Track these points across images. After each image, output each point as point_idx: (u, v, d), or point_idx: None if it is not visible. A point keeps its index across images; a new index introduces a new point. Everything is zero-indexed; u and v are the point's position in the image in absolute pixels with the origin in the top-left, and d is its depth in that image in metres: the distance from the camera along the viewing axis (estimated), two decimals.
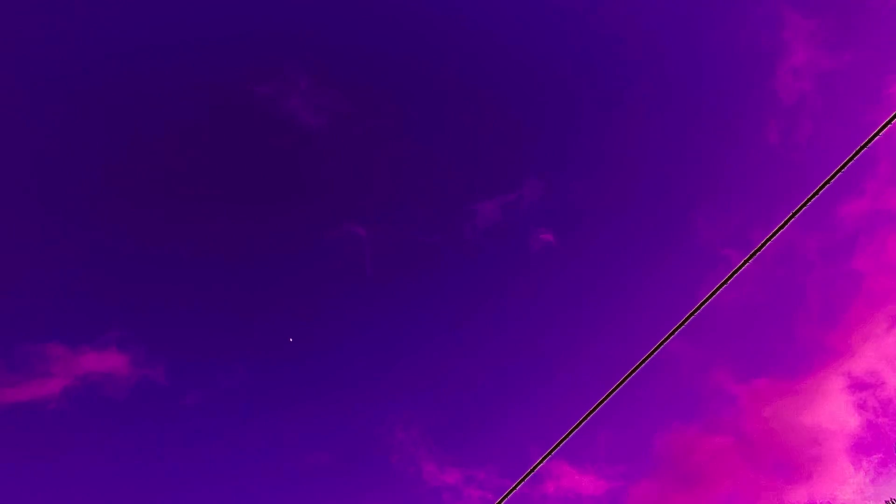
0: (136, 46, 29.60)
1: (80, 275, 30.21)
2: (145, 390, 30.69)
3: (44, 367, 29.36)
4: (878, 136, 4.60)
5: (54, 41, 28.46)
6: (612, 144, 32.48)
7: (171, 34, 29.80)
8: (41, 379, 29.34)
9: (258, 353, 32.32)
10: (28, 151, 29.04)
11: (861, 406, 30.66)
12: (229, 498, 31.24)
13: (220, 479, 31.14)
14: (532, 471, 4.92)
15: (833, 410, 30.79)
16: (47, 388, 29.57)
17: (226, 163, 31.86)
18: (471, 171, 32.70)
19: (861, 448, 30.30)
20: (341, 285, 32.89)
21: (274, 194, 32.38)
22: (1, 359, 28.80)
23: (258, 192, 32.27)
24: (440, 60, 31.89)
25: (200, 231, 31.87)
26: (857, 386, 30.83)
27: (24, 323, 29.22)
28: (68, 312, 29.93)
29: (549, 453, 4.93)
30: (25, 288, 29.38)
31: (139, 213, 31.16)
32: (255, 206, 32.24)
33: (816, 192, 4.91)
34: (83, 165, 29.99)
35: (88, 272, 30.35)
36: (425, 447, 31.77)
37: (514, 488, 4.68)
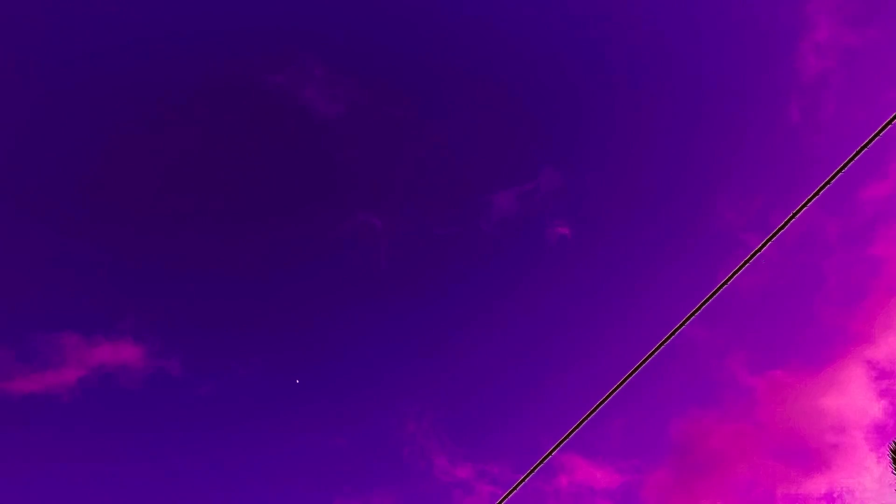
0: (151, 36, 29.75)
1: (94, 263, 30.58)
2: (160, 381, 31.06)
3: (59, 358, 29.74)
4: None
5: (68, 31, 28.66)
6: (629, 128, 32.04)
7: (185, 23, 29.89)
8: (56, 369, 29.74)
9: (273, 344, 32.55)
10: (42, 138, 29.39)
11: (882, 394, 30.16)
12: (241, 490, 31.61)
13: (230, 474, 31.49)
14: (544, 460, 4.85)
15: (853, 398, 30.33)
16: (62, 378, 29.98)
17: (240, 153, 31.99)
18: (487, 160, 32.49)
19: (882, 436, 29.83)
20: (356, 276, 32.97)
21: (288, 185, 32.47)
22: (15, 348, 29.21)
23: (273, 182, 32.38)
24: (456, 49, 31.64)
25: (215, 221, 32.09)
26: (879, 373, 30.32)
27: (39, 312, 29.63)
28: (83, 301, 30.29)
29: (562, 441, 4.85)
30: (39, 276, 29.79)
31: (154, 204, 31.43)
32: (271, 196, 32.37)
33: (835, 175, 4.73)
34: (97, 153, 30.29)
35: (103, 261, 30.71)
36: (437, 440, 31.86)
37: (525, 478, 4.61)
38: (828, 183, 4.67)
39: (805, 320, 31.98)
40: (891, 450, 13.51)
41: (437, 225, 32.61)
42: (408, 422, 32.23)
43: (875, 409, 30.13)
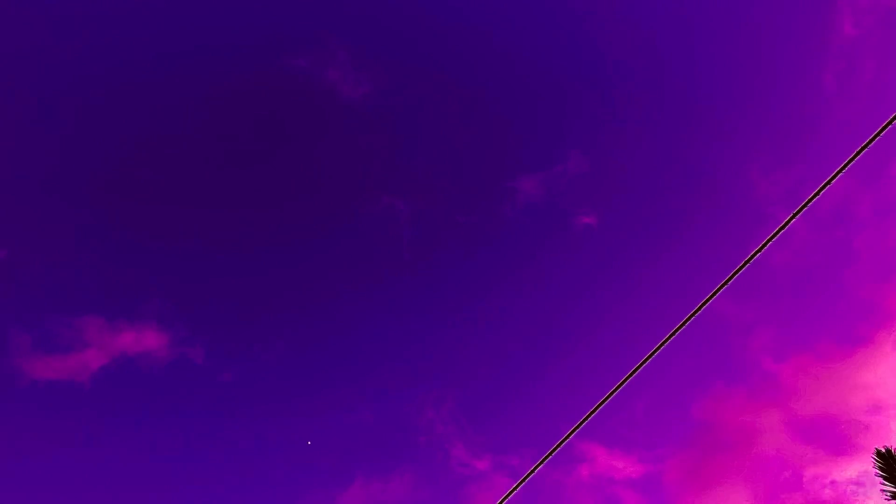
0: (170, 18, 29.93)
1: (118, 246, 30.99)
2: (183, 367, 31.49)
3: (81, 343, 29.99)
4: None
5: (88, 19, 29.00)
6: (656, 103, 31.37)
7: (209, 6, 29.99)
8: (78, 354, 29.98)
9: (295, 329, 32.91)
10: (63, 120, 29.87)
11: None
12: (254, 481, 32.10)
13: (246, 461, 31.85)
14: (564, 440, 4.81)
15: (886, 377, 29.63)
16: (84, 363, 30.26)
17: (264, 136, 32.20)
18: (512, 144, 32.16)
19: None
20: (379, 261, 33.12)
21: (312, 169, 32.61)
22: (36, 332, 29.37)
23: (297, 166, 32.56)
24: (481, 32, 31.25)
25: (240, 206, 32.39)
26: None
27: (61, 295, 29.91)
28: (106, 285, 30.57)
29: (583, 422, 4.81)
30: (62, 258, 30.25)
31: (180, 188, 31.82)
32: (295, 181, 32.56)
33: (866, 145, 4.54)
34: (121, 134, 30.70)
35: (127, 243, 31.15)
36: (456, 427, 31.98)
37: (543, 461, 4.58)
38: (858, 154, 4.48)
39: (836, 297, 31.16)
40: (875, 457, 13.19)
41: (460, 211, 32.46)
42: (427, 409, 32.41)
43: None
